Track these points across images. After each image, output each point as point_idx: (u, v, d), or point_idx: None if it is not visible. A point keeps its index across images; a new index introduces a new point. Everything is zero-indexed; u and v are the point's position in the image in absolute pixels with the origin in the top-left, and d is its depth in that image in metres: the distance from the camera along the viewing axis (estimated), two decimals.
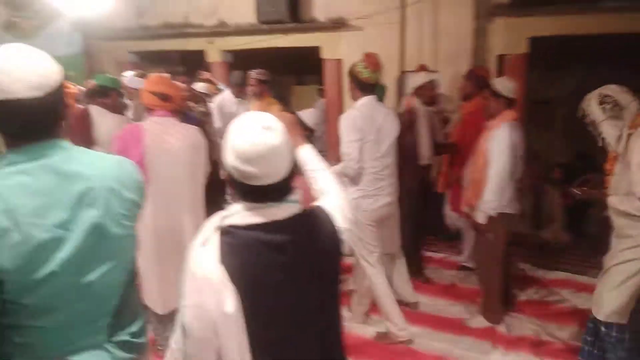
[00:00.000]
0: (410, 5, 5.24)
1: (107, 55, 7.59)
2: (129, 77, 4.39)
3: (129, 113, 4.43)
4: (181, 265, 2.77)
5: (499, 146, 3.17)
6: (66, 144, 1.22)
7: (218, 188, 4.15)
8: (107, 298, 1.28)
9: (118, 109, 3.95)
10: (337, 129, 6.01)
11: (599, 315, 2.50)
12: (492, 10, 4.97)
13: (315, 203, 1.37)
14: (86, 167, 1.22)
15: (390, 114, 3.39)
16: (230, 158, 1.16)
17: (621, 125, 2.44)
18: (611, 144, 2.47)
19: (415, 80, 4.26)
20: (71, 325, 1.22)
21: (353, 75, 3.26)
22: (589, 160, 5.74)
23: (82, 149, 1.27)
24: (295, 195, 1.25)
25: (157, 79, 2.83)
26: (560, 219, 5.11)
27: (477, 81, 4.17)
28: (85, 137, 3.55)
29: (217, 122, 4.84)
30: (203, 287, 1.10)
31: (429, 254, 4.66)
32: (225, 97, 5.12)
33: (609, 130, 2.47)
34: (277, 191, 1.19)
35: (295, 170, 1.26)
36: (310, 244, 1.22)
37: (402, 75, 5.50)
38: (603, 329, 2.49)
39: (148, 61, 7.59)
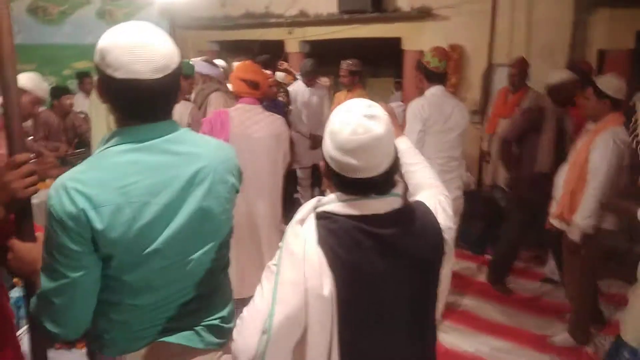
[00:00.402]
0: None
1: (190, 43, 7.86)
2: (197, 62, 4.47)
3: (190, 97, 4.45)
4: (256, 252, 2.82)
5: (602, 156, 2.79)
6: (176, 124, 1.21)
7: (290, 179, 4.12)
8: (203, 280, 1.27)
9: (182, 94, 3.95)
10: None
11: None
12: (595, 0, 4.53)
13: (416, 198, 1.26)
14: (196, 148, 1.22)
15: (459, 105, 3.25)
16: (329, 148, 1.08)
17: None
18: None
19: (554, 76, 3.77)
20: (167, 306, 1.23)
21: (421, 65, 3.18)
22: None
23: (188, 130, 1.27)
24: (400, 188, 1.15)
25: (247, 66, 2.82)
26: None
27: (581, 76, 3.72)
28: None
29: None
30: (302, 265, 1.03)
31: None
32: (298, 86, 5.09)
33: None
34: (378, 185, 1.09)
35: (398, 163, 1.16)
36: (412, 240, 1.13)
37: (490, 68, 5.20)
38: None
39: (228, 50, 7.77)
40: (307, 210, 1.12)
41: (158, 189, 1.12)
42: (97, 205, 1.04)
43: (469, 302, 3.74)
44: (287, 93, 4.83)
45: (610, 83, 2.91)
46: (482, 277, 4.11)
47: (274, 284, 1.05)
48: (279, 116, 2.85)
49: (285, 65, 5.65)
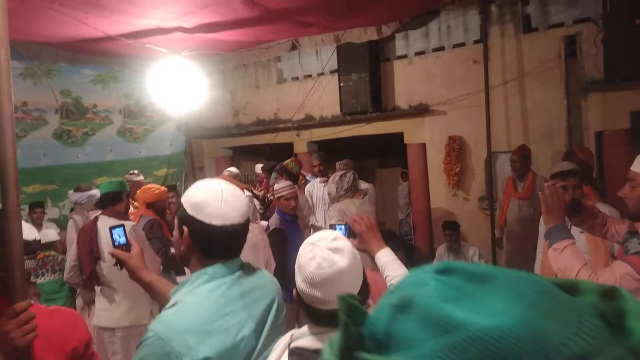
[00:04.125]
0: (494, 87, 5.18)
1: (205, 151, 8.29)
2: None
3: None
4: None
5: None
6: (241, 260, 1.37)
7: None
8: None
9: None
10: (422, 212, 5.94)
11: None
12: (586, 86, 4.73)
13: None
14: (262, 279, 1.37)
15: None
16: (298, 281, 1.15)
17: None
18: None
19: (555, 169, 3.34)
20: None
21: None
22: None
23: (248, 263, 1.42)
24: None
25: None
26: None
27: (580, 166, 3.55)
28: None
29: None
30: None
31: None
32: (312, 183, 5.31)
33: None
34: None
35: (368, 291, 1.19)
36: None
37: (491, 156, 5.32)
38: None
39: (241, 154, 8.15)
40: (280, 348, 1.14)
41: (248, 316, 1.25)
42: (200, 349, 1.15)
43: None
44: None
45: None
46: None
47: None
48: (255, 225, 2.93)
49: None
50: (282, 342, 1.16)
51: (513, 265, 4.81)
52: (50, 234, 4.15)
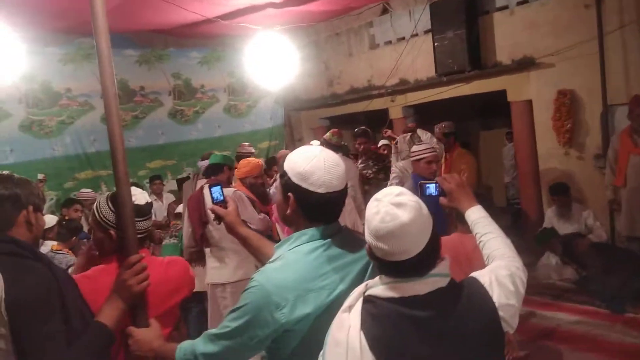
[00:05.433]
0: (609, 33, 4.62)
1: (303, 122, 8.53)
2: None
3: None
4: None
5: None
6: (339, 224, 1.43)
7: None
8: None
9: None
10: (529, 174, 5.56)
11: None
12: None
13: (473, 274, 1.26)
14: (359, 243, 1.41)
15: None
16: (366, 234, 1.19)
17: None
18: None
19: None
20: None
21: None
22: None
23: (344, 227, 1.45)
24: (443, 267, 1.18)
25: None
26: None
27: None
28: None
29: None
30: (344, 353, 1.11)
31: None
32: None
33: None
34: (415, 266, 1.14)
35: (438, 244, 1.19)
36: (457, 321, 1.13)
37: (607, 110, 4.80)
38: None
39: (338, 124, 8.26)
40: (355, 296, 1.20)
41: (344, 275, 1.34)
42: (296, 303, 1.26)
43: None
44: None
45: None
46: (618, 338, 3.60)
47: None
48: None
49: (389, 132, 5.84)
50: (358, 290, 1.21)
51: (635, 229, 4.36)
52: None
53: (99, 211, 1.61)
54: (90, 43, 6.57)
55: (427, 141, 5.12)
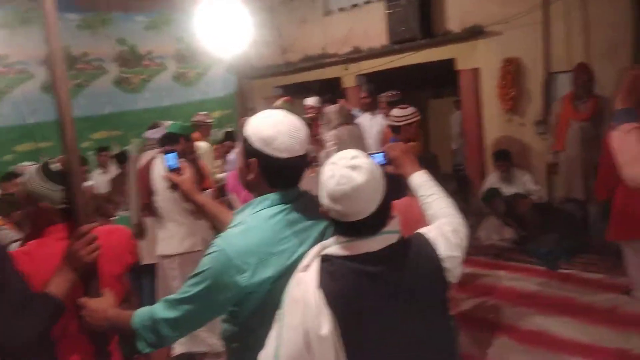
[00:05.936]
0: (554, 2, 4.78)
1: (256, 91, 8.39)
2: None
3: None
4: None
5: None
6: (300, 189, 1.43)
7: None
8: None
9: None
10: (475, 141, 5.78)
11: None
12: None
13: (419, 230, 1.34)
14: (317, 207, 1.41)
15: None
16: (322, 196, 1.23)
17: None
18: None
19: None
20: None
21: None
22: None
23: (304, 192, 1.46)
24: (393, 225, 1.24)
25: None
26: None
27: None
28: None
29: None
30: (301, 309, 1.16)
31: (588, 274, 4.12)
32: (363, 119, 5.30)
33: None
34: (368, 226, 1.20)
35: (389, 203, 1.25)
36: (407, 273, 1.21)
37: (550, 77, 5.02)
38: None
39: (291, 92, 8.19)
40: (311, 256, 1.24)
41: (303, 239, 1.35)
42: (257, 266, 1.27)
43: (539, 320, 3.51)
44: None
45: None
46: (553, 292, 3.90)
47: (278, 330, 1.18)
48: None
49: (341, 101, 5.86)
50: (314, 250, 1.26)
51: (571, 190, 4.66)
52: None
53: (31, 183, 1.55)
54: (27, 6, 6.19)
55: (356, 114, 5.29)
